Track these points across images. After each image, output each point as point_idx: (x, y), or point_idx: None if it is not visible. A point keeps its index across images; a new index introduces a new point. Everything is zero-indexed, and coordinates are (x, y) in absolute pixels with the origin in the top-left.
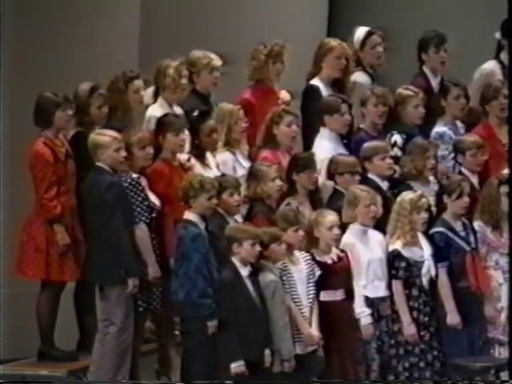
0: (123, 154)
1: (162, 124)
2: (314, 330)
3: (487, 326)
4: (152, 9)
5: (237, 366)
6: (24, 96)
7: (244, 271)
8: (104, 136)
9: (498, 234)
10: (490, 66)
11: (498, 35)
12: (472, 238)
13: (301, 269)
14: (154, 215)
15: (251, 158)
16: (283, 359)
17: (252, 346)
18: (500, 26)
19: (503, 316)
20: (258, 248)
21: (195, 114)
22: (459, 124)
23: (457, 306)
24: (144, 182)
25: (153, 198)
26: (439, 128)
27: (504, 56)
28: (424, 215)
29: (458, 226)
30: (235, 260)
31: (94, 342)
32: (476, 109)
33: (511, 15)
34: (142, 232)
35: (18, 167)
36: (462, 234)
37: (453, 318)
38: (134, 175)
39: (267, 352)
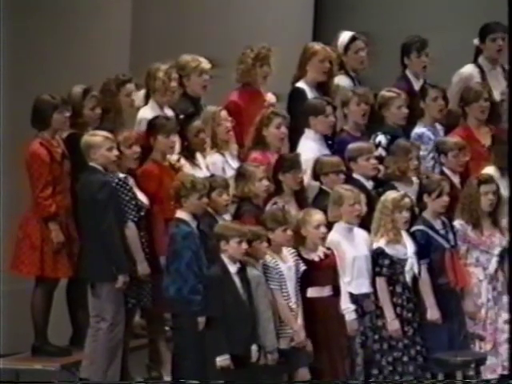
0: (115, 153)
1: (153, 126)
2: (301, 328)
3: (467, 321)
4: (143, 14)
5: (222, 360)
6: (20, 98)
7: (232, 268)
8: (96, 136)
9: (478, 232)
10: (469, 70)
11: (476, 41)
12: (451, 236)
13: (290, 266)
14: (142, 214)
15: (240, 158)
16: (267, 351)
17: (238, 341)
18: (478, 32)
19: (483, 311)
20: (244, 245)
21: (182, 116)
22: (438, 126)
23: (437, 302)
24: (131, 181)
25: (142, 197)
26: (418, 129)
27: (482, 60)
28: (406, 214)
29: (438, 225)
30: (224, 257)
31: (86, 338)
32: (455, 111)
33: (511, 15)
34: (130, 230)
35: (14, 167)
36: (442, 232)
37: (433, 313)
38: (121, 175)
39: (254, 347)
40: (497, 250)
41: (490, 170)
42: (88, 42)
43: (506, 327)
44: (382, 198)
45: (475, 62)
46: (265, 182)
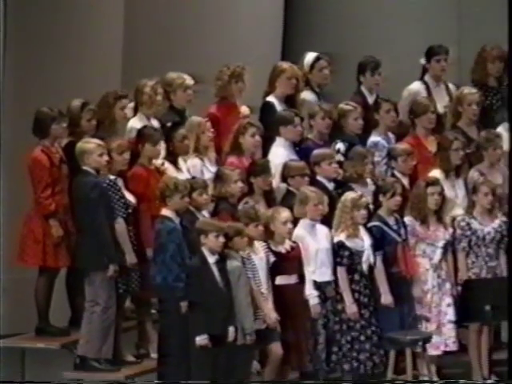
0: (106, 158)
1: (142, 135)
2: (272, 310)
3: (415, 304)
4: (133, 36)
5: (201, 339)
6: (23, 111)
7: (211, 259)
8: (89, 143)
9: (425, 227)
10: (416, 86)
11: (422, 60)
12: (402, 231)
13: (261, 257)
14: (130, 211)
15: (218, 163)
16: (246, 333)
17: (216, 323)
18: (425, 52)
19: (429, 296)
20: (221, 239)
21: (169, 124)
22: (390, 135)
23: (389, 288)
24: (120, 182)
25: (129, 196)
26: (374, 138)
27: (427, 78)
28: (363, 212)
29: (391, 221)
30: (204, 249)
31: (83, 320)
32: (405, 122)
33: (511, 15)
34: (119, 225)
35: (19, 171)
36: (395, 227)
37: (386, 298)
38: (112, 177)
39: (231, 329)
40: (441, 243)
41: (435, 173)
42: (84, 60)
43: (449, 310)
44: (342, 197)
45: (422, 79)
46: (239, 184)
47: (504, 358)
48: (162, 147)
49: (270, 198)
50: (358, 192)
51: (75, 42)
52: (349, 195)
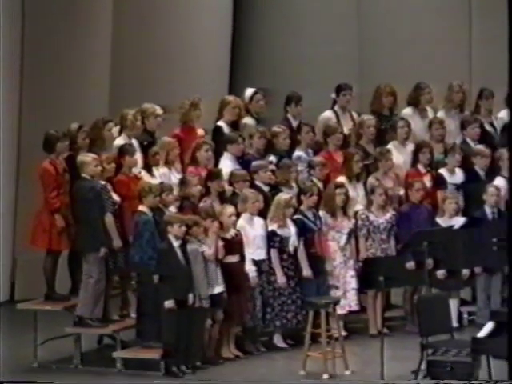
0: (100, 168)
1: (122, 150)
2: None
3: (328, 276)
4: (118, 75)
5: (169, 304)
6: (35, 132)
7: (176, 243)
8: (87, 157)
9: (334, 219)
10: (328, 114)
11: (333, 95)
12: (318, 222)
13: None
14: (116, 208)
15: (182, 171)
16: (201, 298)
17: (180, 291)
18: (335, 89)
19: (337, 270)
20: (183, 228)
21: (145, 143)
22: (310, 150)
23: (309, 264)
24: (109, 186)
25: (116, 197)
26: (297, 152)
27: (337, 108)
28: (292, 210)
29: (310, 214)
30: (170, 236)
31: (80, 289)
32: (320, 141)
33: (511, 21)
34: (108, 218)
35: (33, 178)
36: (312, 219)
37: (307, 272)
38: (102, 182)
39: (191, 295)
40: (346, 231)
41: (342, 178)
42: (80, 94)
43: (352, 280)
44: (277, 197)
45: (332, 108)
46: (199, 187)
47: (392, 316)
48: (138, 158)
49: (222, 197)
50: (290, 194)
51: (73, 80)
52: (283, 196)
